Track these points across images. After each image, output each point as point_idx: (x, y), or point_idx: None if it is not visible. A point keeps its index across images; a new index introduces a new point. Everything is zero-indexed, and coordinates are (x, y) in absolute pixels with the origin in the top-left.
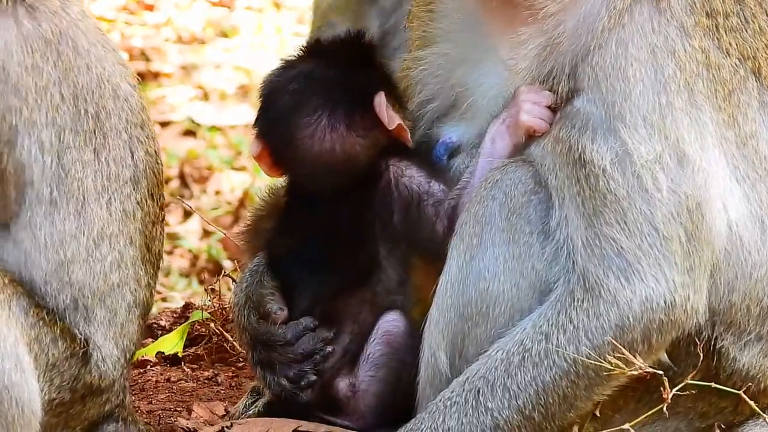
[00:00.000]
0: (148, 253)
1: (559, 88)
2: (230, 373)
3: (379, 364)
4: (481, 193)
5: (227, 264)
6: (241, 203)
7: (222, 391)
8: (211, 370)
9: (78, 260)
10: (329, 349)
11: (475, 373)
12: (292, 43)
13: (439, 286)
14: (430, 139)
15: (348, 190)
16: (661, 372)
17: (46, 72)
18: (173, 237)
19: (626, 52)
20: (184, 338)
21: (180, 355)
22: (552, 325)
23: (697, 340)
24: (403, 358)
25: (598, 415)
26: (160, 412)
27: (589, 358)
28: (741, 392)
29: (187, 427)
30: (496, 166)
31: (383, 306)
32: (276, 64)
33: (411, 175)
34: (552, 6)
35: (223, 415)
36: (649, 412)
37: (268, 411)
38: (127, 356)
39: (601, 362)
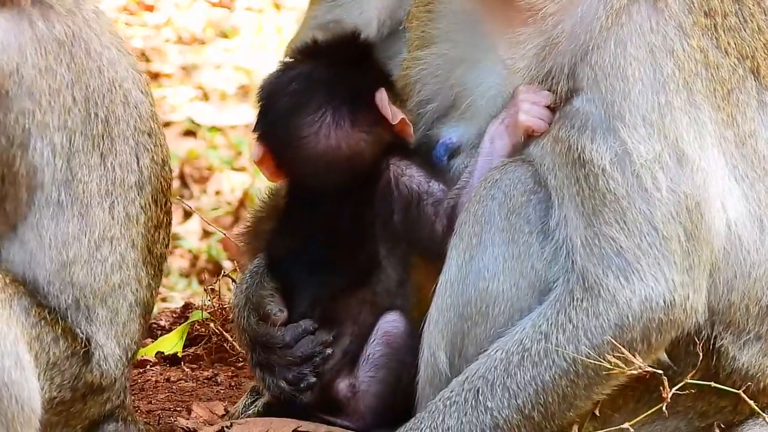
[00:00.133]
0: (150, 255)
1: (558, 88)
2: (230, 373)
3: (379, 364)
4: (481, 193)
5: (227, 264)
6: (241, 203)
7: (221, 391)
8: (210, 370)
9: (79, 261)
10: (328, 351)
11: (475, 373)
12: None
13: (438, 285)
14: (430, 140)
15: (349, 189)
16: (660, 371)
17: (60, 74)
18: (173, 237)
19: (625, 52)
20: (184, 338)
21: (180, 355)
22: (551, 324)
23: (696, 339)
24: (403, 359)
25: (598, 414)
26: (159, 411)
27: (588, 358)
28: (740, 392)
29: (187, 427)
30: (495, 166)
31: (383, 306)
32: (276, 64)
33: (411, 175)
34: (550, 6)
35: (223, 415)
36: (649, 412)
37: (268, 411)
38: (129, 355)
39: (600, 362)
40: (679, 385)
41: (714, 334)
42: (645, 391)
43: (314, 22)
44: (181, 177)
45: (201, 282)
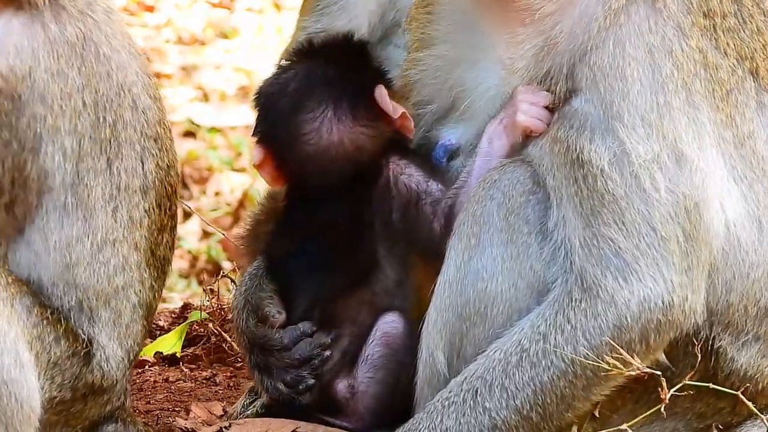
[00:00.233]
0: (153, 257)
1: (557, 89)
2: (228, 374)
3: (378, 365)
4: (480, 193)
5: (226, 265)
6: (241, 204)
7: (220, 392)
8: (209, 371)
9: (82, 263)
10: (326, 354)
11: (473, 373)
12: None
13: (437, 286)
14: (429, 141)
15: (349, 187)
16: (659, 372)
17: (71, 78)
18: None
19: (624, 52)
20: (183, 338)
21: (178, 355)
22: (550, 325)
23: (695, 340)
24: (402, 359)
25: (597, 415)
26: (158, 412)
27: (586, 359)
28: (739, 393)
29: (185, 427)
30: (494, 166)
31: (382, 307)
32: (273, 67)
33: (410, 174)
34: (548, 6)
35: (221, 416)
36: (647, 413)
37: (267, 411)
38: (131, 357)
39: (599, 362)
40: (678, 386)
41: (712, 335)
42: (644, 392)
43: (304, 33)
44: (181, 178)
45: (200, 283)
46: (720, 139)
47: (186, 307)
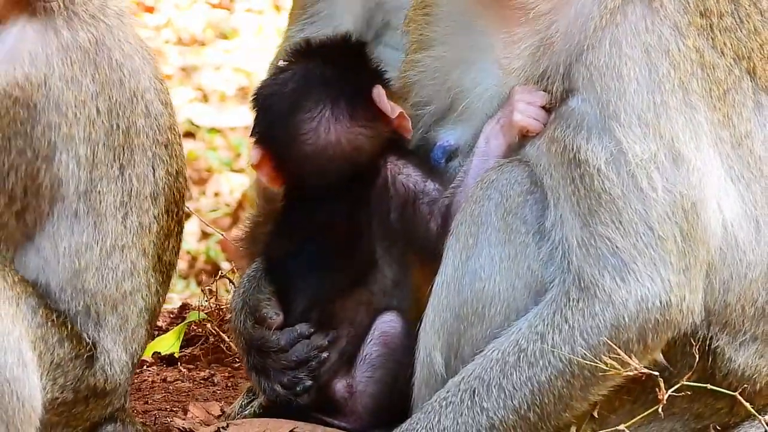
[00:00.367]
0: (160, 263)
1: (554, 88)
2: (226, 374)
3: (376, 365)
4: (477, 193)
5: (225, 265)
6: (240, 205)
7: (218, 392)
8: (207, 371)
9: (91, 269)
10: (323, 356)
11: (471, 373)
12: None
13: (434, 286)
14: (427, 143)
15: (347, 187)
16: (656, 373)
17: (85, 85)
18: None
19: (620, 51)
20: (181, 339)
21: (176, 355)
22: (547, 325)
23: (692, 340)
24: (400, 359)
25: (596, 416)
26: (156, 412)
27: (584, 358)
28: (736, 394)
29: (183, 428)
30: (492, 166)
31: (380, 307)
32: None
33: (408, 173)
34: (543, 5)
35: (219, 416)
36: (645, 413)
37: (264, 411)
38: (134, 360)
39: (596, 362)
40: (675, 386)
41: (710, 334)
42: (641, 393)
43: (289, 43)
44: None
45: (199, 283)
46: (717, 138)
47: (184, 308)
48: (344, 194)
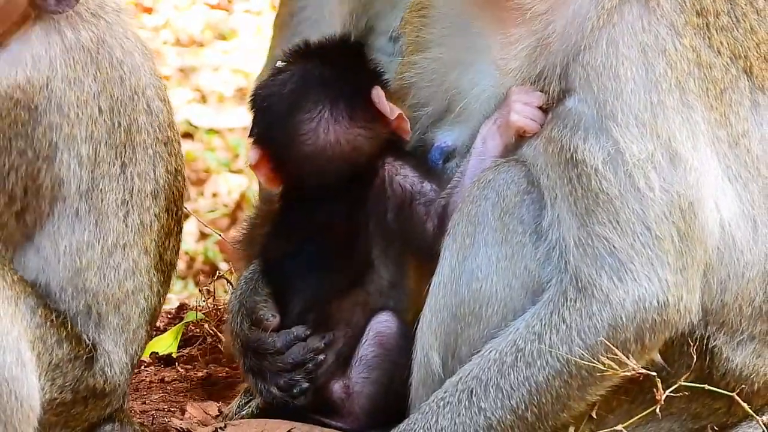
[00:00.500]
0: (161, 262)
1: (551, 89)
2: (224, 374)
3: (372, 365)
4: (474, 193)
5: (223, 266)
6: (238, 206)
7: (216, 392)
8: (204, 371)
9: (92, 268)
10: (320, 358)
11: (468, 374)
12: None
13: (431, 286)
14: (425, 144)
15: (345, 188)
16: (654, 373)
17: (87, 85)
18: None
19: (617, 51)
20: (179, 339)
21: (174, 355)
22: (545, 325)
23: (690, 340)
24: (396, 359)
25: (594, 416)
26: (153, 412)
27: (582, 358)
28: (734, 394)
29: (181, 428)
30: (489, 166)
31: (376, 307)
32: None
33: (405, 174)
34: (540, 5)
35: (217, 416)
36: (642, 414)
37: (262, 412)
38: (134, 361)
39: (594, 362)
40: (673, 387)
41: (707, 334)
42: (639, 393)
43: (274, 54)
44: None
45: (197, 283)
46: (714, 138)
47: (182, 308)
48: (342, 195)
